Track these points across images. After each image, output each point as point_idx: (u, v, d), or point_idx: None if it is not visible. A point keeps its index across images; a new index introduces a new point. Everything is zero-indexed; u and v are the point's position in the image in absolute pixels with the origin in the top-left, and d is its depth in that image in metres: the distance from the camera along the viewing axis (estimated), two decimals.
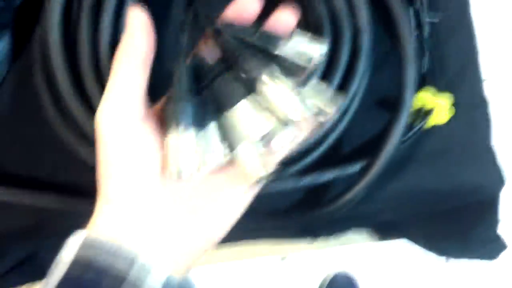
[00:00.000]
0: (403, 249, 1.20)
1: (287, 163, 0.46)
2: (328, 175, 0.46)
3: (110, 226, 0.29)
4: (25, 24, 0.48)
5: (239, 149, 0.29)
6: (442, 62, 0.51)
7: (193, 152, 0.29)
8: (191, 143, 0.29)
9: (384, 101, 0.50)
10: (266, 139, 0.29)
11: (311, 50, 0.30)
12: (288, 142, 0.30)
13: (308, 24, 0.47)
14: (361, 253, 1.28)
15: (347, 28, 0.45)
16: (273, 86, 0.29)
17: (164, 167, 0.30)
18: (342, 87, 0.45)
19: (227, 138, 0.30)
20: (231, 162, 0.30)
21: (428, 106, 0.48)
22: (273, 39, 0.30)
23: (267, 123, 0.29)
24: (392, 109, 0.47)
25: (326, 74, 0.45)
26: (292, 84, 0.29)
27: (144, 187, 0.30)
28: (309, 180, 0.45)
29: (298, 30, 0.31)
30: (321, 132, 0.45)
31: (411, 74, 0.45)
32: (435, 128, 0.50)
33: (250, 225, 0.45)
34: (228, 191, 0.31)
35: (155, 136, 0.30)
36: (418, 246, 0.61)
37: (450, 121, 0.50)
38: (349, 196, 0.46)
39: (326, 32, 0.45)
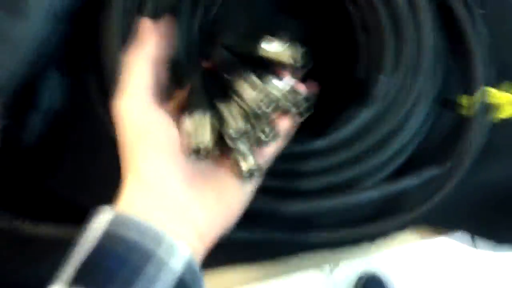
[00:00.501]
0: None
1: (375, 170, 0.44)
2: (415, 180, 0.44)
3: (140, 204, 0.31)
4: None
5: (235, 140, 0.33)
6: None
7: (209, 131, 0.32)
8: (208, 124, 0.32)
9: (447, 100, 0.49)
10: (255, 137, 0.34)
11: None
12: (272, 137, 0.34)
13: (367, 26, 0.46)
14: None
15: (408, 27, 0.44)
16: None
17: (185, 145, 0.32)
18: (410, 87, 0.44)
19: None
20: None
21: (498, 100, 0.48)
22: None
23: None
24: (457, 108, 0.46)
25: (397, 75, 0.44)
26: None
27: (169, 167, 0.31)
28: (400, 185, 0.44)
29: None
30: (404, 137, 0.44)
31: (479, 70, 0.45)
32: (506, 121, 0.49)
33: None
34: (230, 184, 0.34)
35: (170, 121, 0.32)
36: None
37: None
38: (437, 198, 0.44)
39: (386, 31, 0.44)
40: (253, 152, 0.33)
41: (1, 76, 0.42)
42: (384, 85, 0.44)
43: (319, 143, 0.43)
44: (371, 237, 0.50)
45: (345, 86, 0.48)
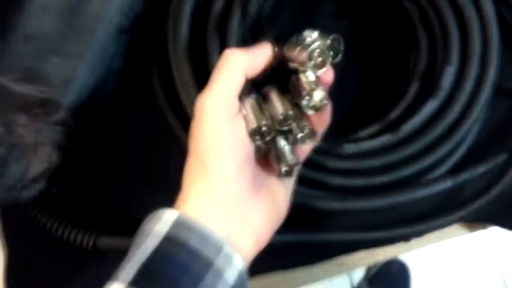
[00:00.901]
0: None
1: (435, 164, 0.44)
2: (479, 169, 0.45)
3: (204, 210, 0.31)
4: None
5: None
6: None
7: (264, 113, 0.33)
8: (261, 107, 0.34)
9: (503, 88, 0.49)
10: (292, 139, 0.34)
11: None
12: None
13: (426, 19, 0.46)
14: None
15: (475, 20, 0.44)
16: None
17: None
18: (481, 77, 0.44)
19: None
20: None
21: None
22: None
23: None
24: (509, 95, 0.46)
25: (463, 65, 0.44)
26: None
27: (236, 174, 0.31)
28: (464, 176, 0.44)
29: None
30: (463, 129, 0.44)
31: None
32: None
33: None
34: (275, 184, 0.35)
35: (243, 128, 0.32)
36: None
37: None
38: (496, 190, 0.45)
39: (451, 25, 0.44)
40: (291, 150, 0.34)
41: (67, 84, 0.41)
42: (451, 76, 0.44)
43: (388, 138, 0.43)
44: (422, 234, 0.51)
45: (403, 80, 0.48)
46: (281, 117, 0.33)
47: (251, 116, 0.33)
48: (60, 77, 0.42)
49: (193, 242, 0.29)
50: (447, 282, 1.31)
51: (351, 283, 1.28)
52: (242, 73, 0.33)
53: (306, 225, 0.46)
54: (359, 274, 1.28)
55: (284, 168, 0.34)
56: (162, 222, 0.30)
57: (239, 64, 0.32)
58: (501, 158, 0.45)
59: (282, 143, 0.34)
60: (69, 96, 0.43)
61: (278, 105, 0.34)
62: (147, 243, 0.29)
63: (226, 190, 0.31)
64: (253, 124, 0.32)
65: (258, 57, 0.34)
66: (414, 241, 0.59)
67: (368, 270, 1.27)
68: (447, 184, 0.43)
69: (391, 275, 1.23)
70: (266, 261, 0.50)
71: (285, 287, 0.56)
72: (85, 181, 0.48)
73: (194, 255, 0.28)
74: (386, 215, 0.47)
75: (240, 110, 0.33)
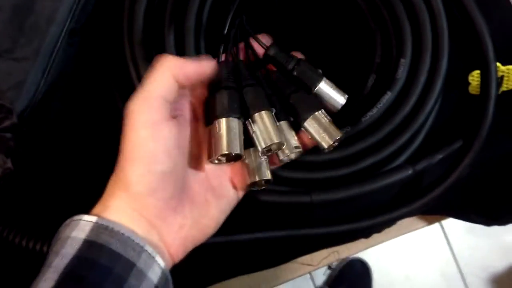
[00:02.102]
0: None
1: (395, 154, 0.45)
2: (437, 156, 0.46)
3: (123, 214, 0.30)
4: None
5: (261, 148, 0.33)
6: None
7: (240, 136, 0.33)
8: (239, 129, 0.33)
9: (454, 79, 0.51)
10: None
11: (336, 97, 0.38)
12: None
13: (379, 15, 0.47)
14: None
15: (426, 13, 0.45)
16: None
17: (213, 151, 0.33)
18: (434, 68, 0.45)
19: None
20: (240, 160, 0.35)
21: (502, 73, 0.50)
22: (312, 77, 0.37)
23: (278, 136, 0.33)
24: (458, 86, 0.48)
25: (416, 57, 0.45)
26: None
27: (160, 183, 0.30)
28: (423, 164, 0.45)
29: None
30: (420, 118, 0.45)
31: (490, 46, 0.47)
32: (505, 93, 0.51)
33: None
34: (229, 189, 0.36)
35: (170, 141, 0.31)
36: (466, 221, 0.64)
37: None
38: (456, 173, 0.46)
39: (404, 19, 0.45)
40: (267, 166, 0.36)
41: (18, 89, 0.40)
42: (406, 68, 0.45)
43: (351, 131, 0.44)
44: (385, 225, 0.52)
45: (364, 73, 0.49)
46: (275, 146, 0.33)
47: (225, 139, 0.32)
48: (10, 82, 0.41)
49: (114, 245, 0.28)
50: (406, 274, 1.34)
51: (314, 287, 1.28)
52: (170, 78, 0.32)
53: (271, 222, 0.46)
54: (322, 278, 1.29)
55: (256, 180, 0.34)
56: (81, 226, 0.29)
57: (167, 68, 0.32)
58: (456, 145, 0.46)
59: (262, 159, 0.35)
60: (20, 101, 0.41)
61: (271, 130, 0.33)
62: (66, 249, 0.28)
63: (145, 201, 0.31)
64: (221, 149, 0.32)
65: (192, 65, 0.33)
66: (374, 237, 0.60)
67: (330, 272, 1.28)
68: (408, 172, 0.44)
69: (353, 275, 1.24)
70: (227, 265, 0.50)
71: None
72: (40, 185, 0.46)
73: (115, 257, 0.28)
74: (349, 207, 0.47)
75: (214, 128, 0.33)
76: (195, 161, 0.35)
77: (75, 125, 0.47)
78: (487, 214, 0.63)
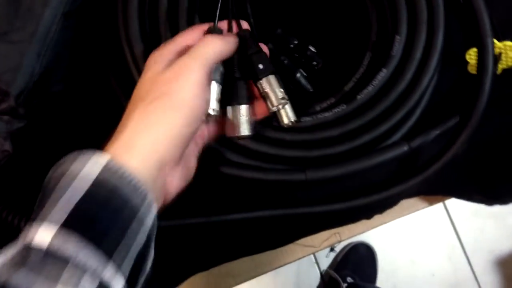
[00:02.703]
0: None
1: (391, 131, 0.45)
2: (433, 133, 0.46)
3: (134, 156, 0.31)
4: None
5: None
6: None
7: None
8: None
9: (451, 55, 0.50)
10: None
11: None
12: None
13: None
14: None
15: None
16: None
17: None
18: (429, 45, 0.45)
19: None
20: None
21: (495, 50, 0.50)
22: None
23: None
24: (457, 64, 0.48)
25: (411, 34, 0.45)
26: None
27: (174, 131, 0.32)
28: (419, 140, 0.45)
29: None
30: (415, 95, 0.45)
31: (486, 22, 0.46)
32: (506, 71, 0.51)
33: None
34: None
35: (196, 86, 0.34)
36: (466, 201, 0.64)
37: None
38: (452, 150, 0.46)
39: None
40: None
41: (14, 72, 0.40)
42: (401, 44, 0.44)
43: (346, 108, 0.44)
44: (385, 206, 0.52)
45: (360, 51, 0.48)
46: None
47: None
48: (6, 65, 0.41)
49: (124, 189, 0.28)
50: (411, 259, 1.34)
51: (320, 272, 1.29)
52: (218, 54, 0.36)
53: (270, 201, 0.47)
54: (326, 262, 1.30)
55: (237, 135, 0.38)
56: (91, 164, 0.29)
57: (216, 46, 0.36)
58: (453, 121, 0.46)
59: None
60: (17, 84, 0.41)
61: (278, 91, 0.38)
62: (76, 184, 0.28)
63: (170, 149, 0.32)
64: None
65: (230, 45, 0.38)
66: (376, 218, 0.60)
67: (335, 256, 1.28)
68: (403, 148, 0.44)
69: (358, 258, 1.24)
70: (229, 247, 0.51)
71: (256, 272, 0.57)
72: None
73: (125, 202, 0.28)
74: (346, 186, 0.47)
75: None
76: None
77: (76, 109, 0.47)
78: (488, 193, 0.63)
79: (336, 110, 0.44)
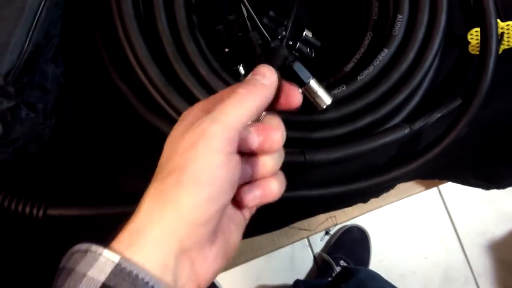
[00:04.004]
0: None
1: (392, 113, 0.44)
2: (435, 115, 0.45)
3: (148, 248, 0.27)
4: None
5: None
6: None
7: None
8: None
9: (453, 36, 0.49)
10: None
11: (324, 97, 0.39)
12: None
13: None
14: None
15: None
16: None
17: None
18: (432, 24, 0.44)
19: None
20: None
21: (502, 30, 0.49)
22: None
23: None
24: (459, 45, 0.47)
25: (413, 13, 0.44)
26: None
27: (216, 210, 0.28)
28: (421, 123, 0.44)
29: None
30: (418, 76, 0.44)
31: (490, 2, 0.45)
32: (506, 51, 0.50)
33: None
34: (239, 215, 0.34)
35: (237, 172, 0.29)
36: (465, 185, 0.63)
37: None
38: (454, 133, 0.45)
39: None
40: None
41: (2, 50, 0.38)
42: (403, 24, 0.43)
43: (347, 89, 0.43)
44: (382, 190, 0.52)
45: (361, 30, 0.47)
46: None
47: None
48: None
49: None
50: (404, 241, 1.34)
51: (313, 255, 1.29)
52: (253, 111, 0.30)
53: None
54: (319, 245, 1.30)
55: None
56: (100, 265, 0.26)
57: (256, 99, 0.30)
58: (455, 103, 0.45)
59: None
60: (5, 63, 0.40)
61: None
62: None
63: (194, 231, 0.28)
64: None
65: (265, 92, 0.31)
66: (371, 202, 0.59)
67: (329, 238, 1.28)
68: (404, 131, 0.43)
69: (351, 241, 1.24)
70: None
71: (251, 255, 0.56)
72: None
73: None
74: (346, 168, 0.46)
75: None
76: None
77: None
78: (485, 177, 0.62)
79: (336, 91, 0.43)
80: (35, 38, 0.40)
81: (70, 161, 0.46)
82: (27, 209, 0.41)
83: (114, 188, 0.46)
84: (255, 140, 0.31)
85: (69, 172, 0.46)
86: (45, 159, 0.45)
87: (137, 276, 0.25)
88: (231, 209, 0.33)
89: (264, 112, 0.33)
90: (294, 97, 0.33)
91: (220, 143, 0.28)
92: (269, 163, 0.32)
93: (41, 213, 0.41)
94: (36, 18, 0.40)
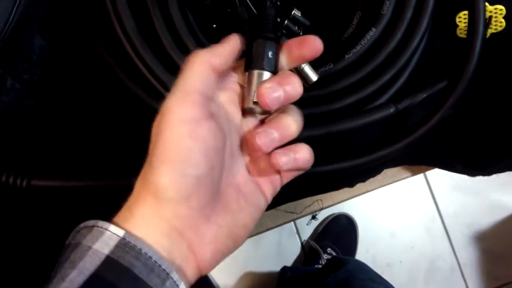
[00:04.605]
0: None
1: (377, 92, 0.44)
2: (420, 95, 0.45)
3: (150, 224, 0.27)
4: None
5: None
6: None
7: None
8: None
9: (441, 19, 0.49)
10: None
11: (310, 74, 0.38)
12: None
13: None
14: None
15: None
16: None
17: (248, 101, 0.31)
18: (420, 4, 0.44)
19: None
20: None
21: (490, 13, 0.49)
22: None
23: None
24: (447, 28, 0.47)
25: None
26: None
27: (193, 189, 0.28)
28: (406, 102, 0.44)
29: None
30: (405, 56, 0.44)
31: None
32: (493, 36, 0.50)
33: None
34: (260, 196, 0.33)
35: (216, 135, 0.29)
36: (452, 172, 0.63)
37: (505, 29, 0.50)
38: (440, 114, 0.45)
39: None
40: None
41: None
42: (391, 4, 0.43)
43: (333, 67, 0.43)
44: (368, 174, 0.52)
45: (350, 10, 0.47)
46: None
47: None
48: None
49: (139, 269, 0.25)
50: (391, 231, 1.35)
51: (301, 242, 1.30)
52: (208, 71, 0.29)
53: None
54: (307, 231, 1.31)
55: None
56: (105, 238, 0.26)
57: (202, 62, 0.29)
58: (441, 85, 0.46)
59: None
60: None
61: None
62: (85, 262, 0.25)
63: (176, 210, 0.28)
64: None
65: (223, 49, 0.31)
66: (358, 187, 0.60)
67: (316, 227, 1.29)
68: (390, 110, 0.43)
69: (339, 229, 1.25)
70: None
71: None
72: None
73: (138, 284, 0.25)
74: (332, 147, 0.46)
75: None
76: (230, 165, 0.32)
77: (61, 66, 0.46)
78: (472, 163, 0.63)
79: (323, 69, 0.43)
80: (22, 7, 0.40)
81: (57, 134, 0.46)
82: (11, 179, 0.41)
83: (100, 161, 0.46)
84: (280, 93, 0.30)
85: (55, 144, 0.46)
86: (31, 131, 0.45)
87: (140, 250, 0.26)
88: (248, 186, 0.32)
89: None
90: (313, 43, 0.32)
91: (181, 113, 0.28)
92: (292, 123, 0.32)
93: (24, 183, 0.41)
94: None
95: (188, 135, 0.27)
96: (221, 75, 0.31)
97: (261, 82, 0.31)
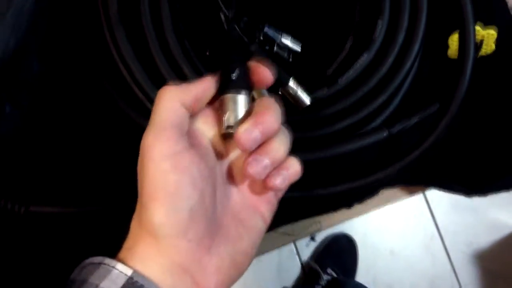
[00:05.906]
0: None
1: (371, 116, 0.45)
2: (413, 120, 0.46)
3: (153, 262, 0.27)
4: None
5: None
6: None
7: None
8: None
9: (433, 41, 0.50)
10: None
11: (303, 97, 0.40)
12: None
13: None
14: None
15: None
16: None
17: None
18: (412, 28, 0.45)
19: None
20: None
21: (477, 38, 0.50)
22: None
23: None
24: (438, 51, 0.47)
25: (394, 17, 0.45)
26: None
27: (187, 223, 0.27)
28: (399, 126, 0.45)
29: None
30: (398, 79, 0.45)
31: (469, 9, 0.46)
32: (484, 58, 0.51)
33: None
34: (258, 219, 0.32)
35: (200, 164, 0.29)
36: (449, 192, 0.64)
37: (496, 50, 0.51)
38: (433, 137, 0.46)
39: None
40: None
41: None
42: (383, 28, 0.44)
43: (327, 92, 0.43)
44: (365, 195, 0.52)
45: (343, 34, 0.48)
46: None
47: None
48: None
49: None
50: (391, 250, 1.35)
51: (301, 263, 1.29)
52: (179, 106, 0.29)
53: None
54: (307, 252, 1.30)
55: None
56: (113, 277, 0.26)
57: (173, 97, 0.29)
58: (433, 108, 0.46)
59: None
60: None
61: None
62: None
63: (175, 246, 0.27)
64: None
65: (195, 87, 0.30)
66: (356, 208, 0.60)
67: (316, 247, 1.29)
68: (383, 134, 0.44)
69: (339, 249, 1.25)
70: None
71: None
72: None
73: None
74: (327, 169, 0.47)
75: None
76: (222, 192, 0.32)
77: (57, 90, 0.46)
78: (468, 184, 0.63)
79: (317, 93, 0.44)
80: (20, 33, 0.41)
81: (52, 158, 0.46)
82: (9, 205, 0.41)
83: (97, 186, 0.46)
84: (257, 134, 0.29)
85: (54, 169, 0.46)
86: (29, 156, 0.45)
87: None
88: (244, 211, 0.32)
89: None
90: (264, 74, 0.32)
91: (160, 149, 0.27)
92: (280, 146, 0.31)
93: (23, 209, 0.41)
94: (23, 13, 0.41)
95: (171, 170, 0.27)
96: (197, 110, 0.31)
97: (233, 107, 0.31)
